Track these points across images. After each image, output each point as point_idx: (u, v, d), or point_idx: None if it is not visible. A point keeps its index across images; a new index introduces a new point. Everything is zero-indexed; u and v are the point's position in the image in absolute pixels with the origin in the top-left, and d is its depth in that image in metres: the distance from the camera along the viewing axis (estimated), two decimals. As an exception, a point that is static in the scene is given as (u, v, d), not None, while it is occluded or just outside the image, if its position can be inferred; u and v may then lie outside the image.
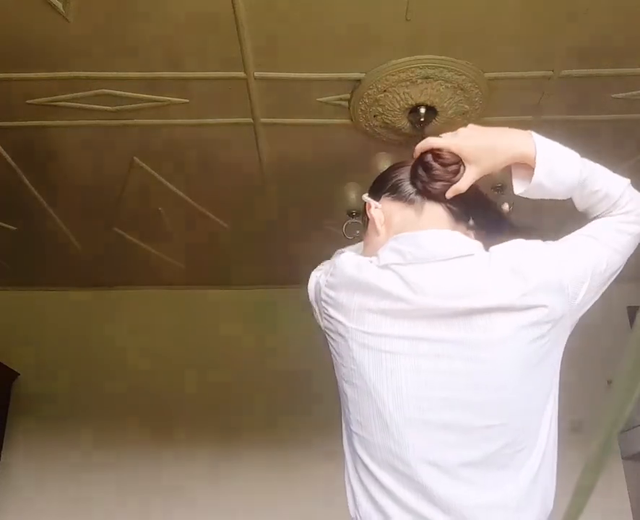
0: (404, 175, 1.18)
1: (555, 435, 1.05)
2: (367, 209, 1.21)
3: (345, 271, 1.10)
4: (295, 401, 3.67)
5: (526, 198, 1.13)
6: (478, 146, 1.11)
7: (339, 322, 1.07)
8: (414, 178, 1.16)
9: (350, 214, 2.40)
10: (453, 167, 1.12)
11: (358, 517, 1.04)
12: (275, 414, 3.67)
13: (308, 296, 1.19)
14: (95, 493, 3.54)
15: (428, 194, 1.14)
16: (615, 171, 1.14)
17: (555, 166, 1.08)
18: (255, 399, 3.69)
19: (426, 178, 1.14)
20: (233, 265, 3.69)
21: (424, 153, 1.15)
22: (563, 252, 1.08)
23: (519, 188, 1.12)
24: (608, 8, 1.93)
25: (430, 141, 1.14)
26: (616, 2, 1.92)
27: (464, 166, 1.12)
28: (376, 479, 1.01)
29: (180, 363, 3.77)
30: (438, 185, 1.13)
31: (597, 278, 1.08)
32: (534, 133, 1.10)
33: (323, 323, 1.12)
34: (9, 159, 2.67)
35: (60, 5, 1.87)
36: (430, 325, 1.02)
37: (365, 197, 1.24)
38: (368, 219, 1.22)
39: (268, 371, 3.71)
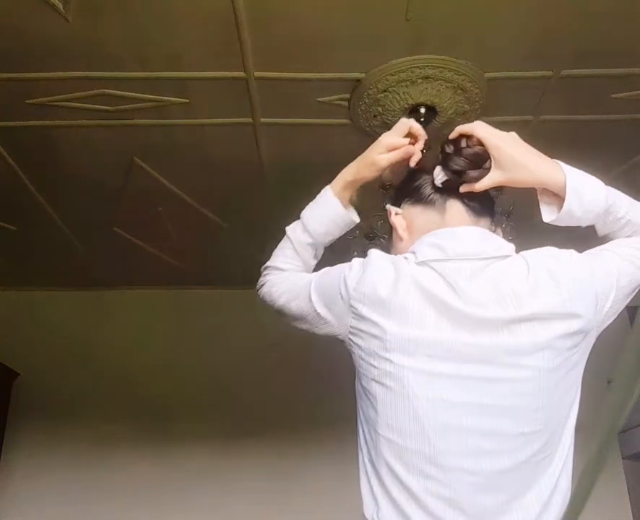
0: (423, 179, 1.20)
1: (573, 443, 1.07)
2: (388, 216, 1.24)
3: (381, 269, 1.07)
4: (296, 401, 3.67)
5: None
6: (514, 157, 1.12)
7: (374, 322, 1.04)
8: (443, 156, 1.17)
9: None
10: (479, 150, 1.13)
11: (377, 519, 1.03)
12: (276, 415, 3.67)
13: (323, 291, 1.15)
14: (95, 493, 3.54)
15: (450, 173, 1.14)
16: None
17: (583, 194, 1.10)
18: (255, 400, 3.69)
19: (453, 150, 1.14)
20: (233, 265, 3.69)
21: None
22: (593, 263, 1.10)
23: (547, 216, 1.14)
24: (608, 8, 1.93)
25: (477, 127, 1.15)
26: (616, 2, 1.92)
27: (490, 167, 1.13)
28: (403, 485, 1.00)
29: (180, 363, 3.77)
30: (461, 161, 1.13)
31: (620, 291, 1.11)
32: (561, 163, 1.12)
33: (349, 321, 1.08)
34: (9, 159, 2.67)
35: (60, 5, 1.87)
36: (473, 331, 1.02)
37: (387, 205, 1.27)
38: (391, 227, 1.25)
39: (268, 371, 3.71)
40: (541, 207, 1.15)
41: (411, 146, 1.22)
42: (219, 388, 3.73)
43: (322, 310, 1.13)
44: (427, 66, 2.14)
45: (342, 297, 1.09)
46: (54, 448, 3.63)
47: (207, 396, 3.72)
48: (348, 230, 1.31)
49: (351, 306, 1.07)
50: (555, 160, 1.14)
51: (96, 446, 3.62)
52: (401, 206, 1.22)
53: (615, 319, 1.16)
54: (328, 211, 1.30)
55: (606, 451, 0.41)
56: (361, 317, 1.06)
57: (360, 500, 1.08)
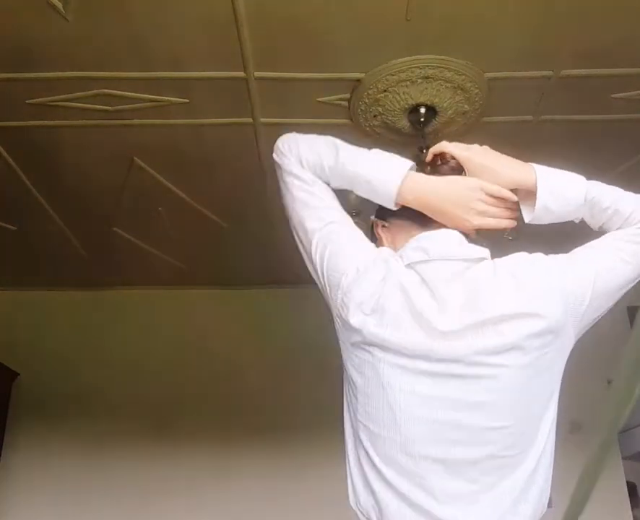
0: None
1: (554, 440, 1.09)
2: (374, 228, 1.28)
3: (378, 271, 1.10)
4: (296, 400, 3.67)
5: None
6: (483, 164, 1.16)
7: (356, 317, 1.08)
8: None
9: (350, 214, 2.39)
10: (453, 164, 1.18)
11: (359, 507, 1.07)
12: (275, 414, 3.67)
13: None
14: (96, 493, 3.54)
15: None
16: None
17: (556, 188, 1.13)
18: (255, 399, 3.69)
19: (430, 171, 1.19)
20: (233, 265, 3.69)
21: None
22: (563, 262, 1.12)
23: (527, 216, 1.17)
24: (608, 8, 1.93)
25: (444, 145, 1.20)
26: (616, 2, 1.92)
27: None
28: (379, 472, 1.04)
29: (180, 363, 3.77)
30: (443, 168, 1.19)
31: (601, 287, 1.10)
32: (535, 164, 1.16)
33: (338, 307, 1.11)
34: (9, 159, 2.67)
35: (60, 5, 1.87)
36: (445, 338, 1.05)
37: (372, 218, 1.30)
38: (376, 237, 1.29)
39: (268, 371, 3.71)
40: (521, 208, 1.18)
41: (510, 222, 1.18)
42: (219, 387, 3.73)
43: (320, 268, 1.14)
44: (427, 66, 2.14)
45: (340, 283, 1.11)
46: (54, 448, 3.63)
47: (208, 396, 3.72)
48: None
49: (343, 295, 1.10)
50: (529, 163, 1.17)
51: (96, 446, 3.62)
52: (388, 219, 1.25)
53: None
54: (378, 186, 1.17)
55: (606, 451, 0.41)
56: (348, 309, 1.09)
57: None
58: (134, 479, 3.58)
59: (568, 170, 1.17)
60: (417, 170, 1.21)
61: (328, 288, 1.13)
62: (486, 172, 1.15)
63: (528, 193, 1.16)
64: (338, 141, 1.24)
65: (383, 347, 1.05)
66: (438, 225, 1.18)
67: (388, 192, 1.15)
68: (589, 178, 1.17)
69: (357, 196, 1.26)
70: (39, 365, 3.73)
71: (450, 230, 1.17)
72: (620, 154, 2.63)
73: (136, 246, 3.43)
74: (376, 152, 1.21)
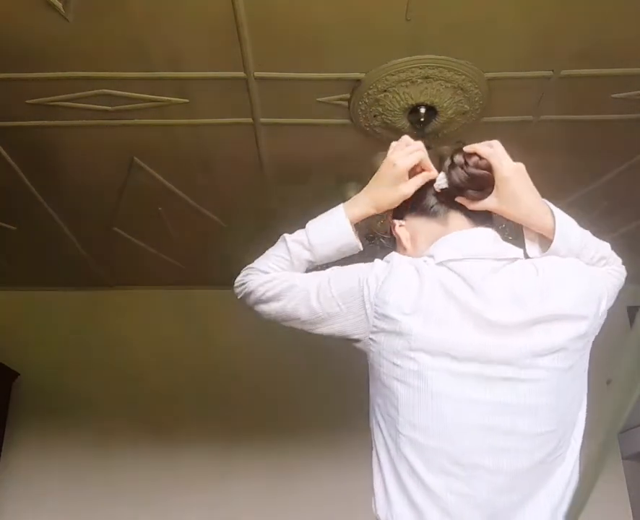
0: (425, 190, 1.21)
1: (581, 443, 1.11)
2: (392, 228, 1.25)
3: (406, 273, 1.09)
4: (296, 401, 3.67)
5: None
6: (516, 194, 1.15)
7: (399, 322, 1.05)
8: (450, 164, 1.18)
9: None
10: (485, 175, 1.15)
11: (389, 518, 1.04)
12: (276, 415, 3.67)
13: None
14: (96, 493, 3.54)
15: (450, 184, 1.16)
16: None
17: (570, 237, 1.16)
18: (255, 399, 3.69)
19: (462, 163, 1.16)
20: (233, 265, 3.68)
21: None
22: (591, 269, 1.16)
23: (532, 252, 1.18)
24: (608, 8, 1.93)
25: (492, 156, 1.17)
26: (616, 3, 1.92)
27: (491, 192, 1.16)
28: (422, 482, 1.02)
29: (180, 363, 3.77)
30: (463, 177, 1.15)
31: (610, 297, 1.17)
32: (550, 204, 1.17)
33: (372, 321, 1.09)
34: (9, 159, 2.67)
35: (60, 5, 1.87)
36: (494, 333, 1.05)
37: (390, 218, 1.28)
38: (395, 238, 1.26)
39: (268, 371, 3.71)
40: (526, 243, 1.20)
41: (434, 172, 1.20)
42: (219, 388, 3.73)
43: (336, 309, 1.12)
44: (427, 66, 2.14)
45: (364, 299, 1.09)
46: (54, 448, 3.63)
47: (207, 396, 3.72)
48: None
49: (375, 306, 1.08)
50: (544, 200, 1.18)
51: (96, 446, 3.62)
52: (405, 218, 1.23)
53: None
54: (338, 238, 1.23)
55: (606, 451, 0.41)
56: (385, 317, 1.07)
57: (369, 498, 1.09)
58: (134, 478, 3.58)
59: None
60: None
61: (351, 315, 1.11)
62: (512, 203, 1.15)
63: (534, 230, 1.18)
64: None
65: (430, 351, 1.03)
66: (457, 224, 1.17)
67: (348, 242, 1.22)
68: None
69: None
70: (39, 365, 3.73)
71: (484, 229, 1.17)
72: (620, 154, 2.63)
73: (136, 246, 3.43)
74: (312, 223, 1.25)
